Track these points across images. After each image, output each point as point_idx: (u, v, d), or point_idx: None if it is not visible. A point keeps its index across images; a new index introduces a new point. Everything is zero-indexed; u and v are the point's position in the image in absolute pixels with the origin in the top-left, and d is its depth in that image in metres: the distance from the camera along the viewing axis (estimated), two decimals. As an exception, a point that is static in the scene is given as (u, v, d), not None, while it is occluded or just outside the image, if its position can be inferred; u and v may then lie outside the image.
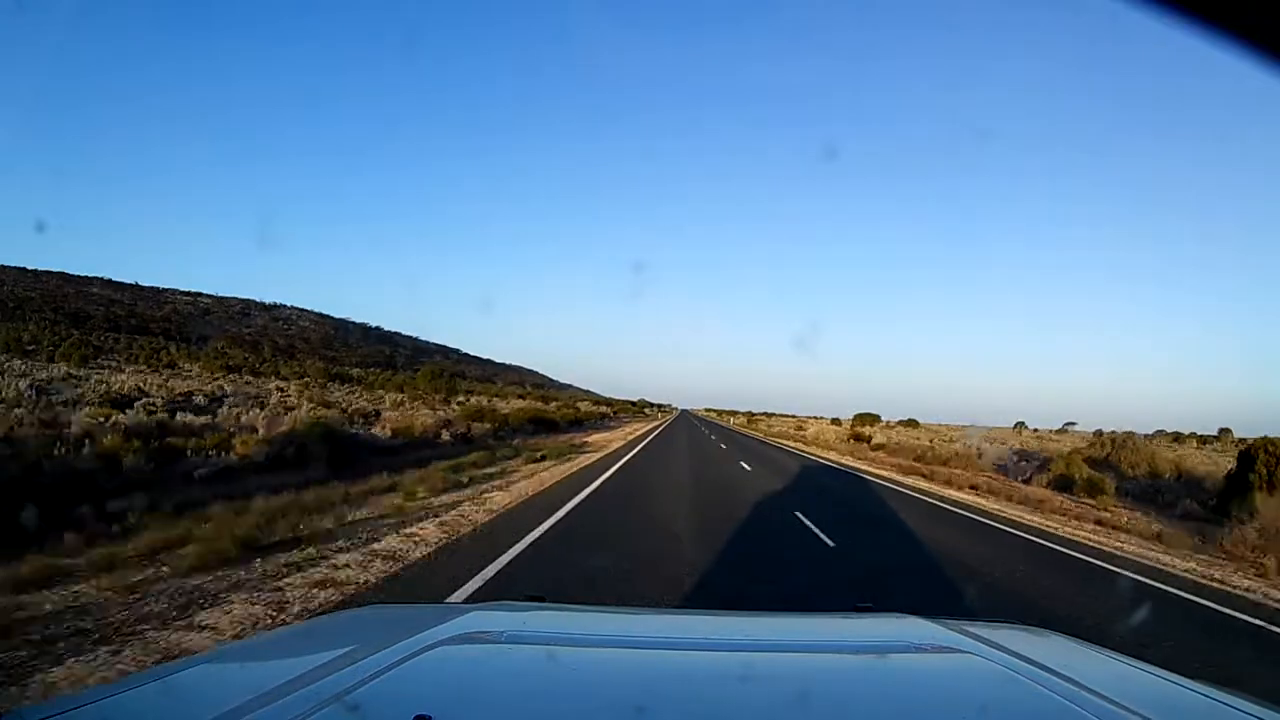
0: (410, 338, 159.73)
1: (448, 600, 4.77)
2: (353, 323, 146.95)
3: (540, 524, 7.83)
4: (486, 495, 9.85)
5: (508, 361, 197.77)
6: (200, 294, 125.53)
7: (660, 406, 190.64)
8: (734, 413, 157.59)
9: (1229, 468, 14.76)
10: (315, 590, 4.80)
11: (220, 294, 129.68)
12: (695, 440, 32.80)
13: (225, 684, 1.10)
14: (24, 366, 31.64)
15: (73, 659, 3.42)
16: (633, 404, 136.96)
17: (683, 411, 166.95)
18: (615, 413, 74.89)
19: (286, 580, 4.97)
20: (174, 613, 4.21)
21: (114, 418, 14.23)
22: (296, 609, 4.42)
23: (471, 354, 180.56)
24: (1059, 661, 1.22)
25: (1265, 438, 13.43)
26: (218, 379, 40.21)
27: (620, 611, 2.39)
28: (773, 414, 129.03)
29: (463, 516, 8.03)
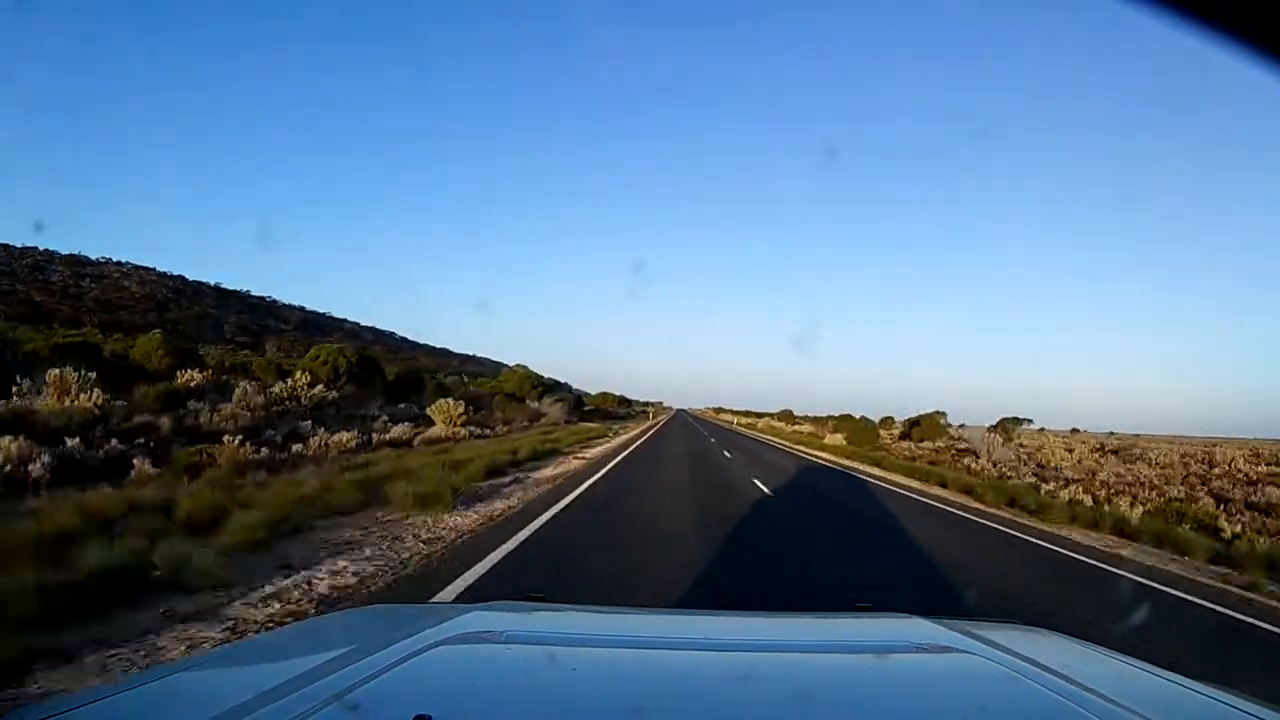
0: (315, 312, 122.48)
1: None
2: (208, 286, 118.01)
3: None
4: None
5: (469, 351, 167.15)
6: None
7: (645, 406, 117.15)
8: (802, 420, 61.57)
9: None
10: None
11: (21, 245, 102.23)
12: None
13: (225, 684, 1.10)
14: None
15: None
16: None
17: (679, 412, 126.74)
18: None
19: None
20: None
21: None
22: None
23: (412, 339, 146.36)
24: (1059, 661, 1.22)
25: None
26: None
27: (620, 611, 2.37)
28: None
29: None
